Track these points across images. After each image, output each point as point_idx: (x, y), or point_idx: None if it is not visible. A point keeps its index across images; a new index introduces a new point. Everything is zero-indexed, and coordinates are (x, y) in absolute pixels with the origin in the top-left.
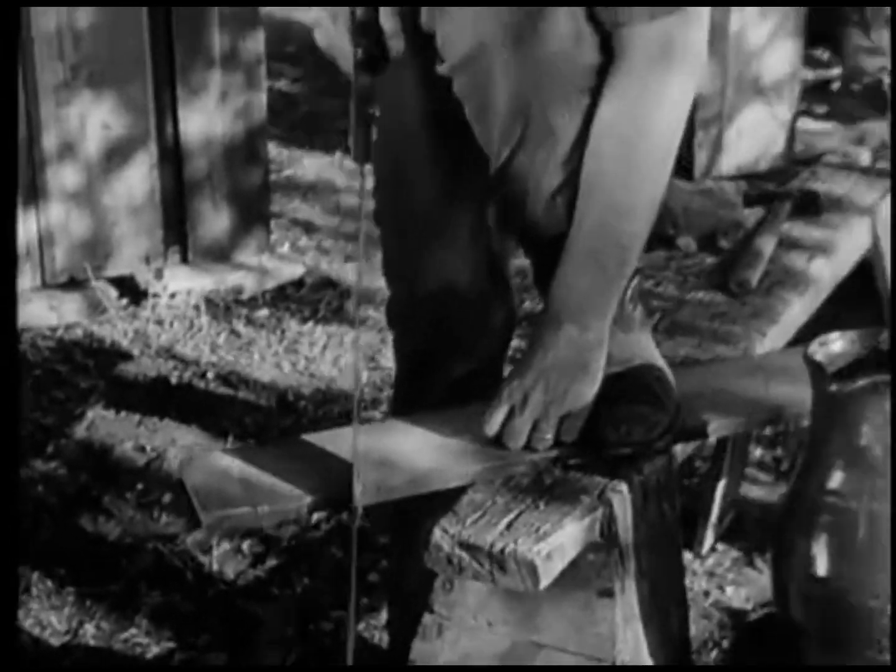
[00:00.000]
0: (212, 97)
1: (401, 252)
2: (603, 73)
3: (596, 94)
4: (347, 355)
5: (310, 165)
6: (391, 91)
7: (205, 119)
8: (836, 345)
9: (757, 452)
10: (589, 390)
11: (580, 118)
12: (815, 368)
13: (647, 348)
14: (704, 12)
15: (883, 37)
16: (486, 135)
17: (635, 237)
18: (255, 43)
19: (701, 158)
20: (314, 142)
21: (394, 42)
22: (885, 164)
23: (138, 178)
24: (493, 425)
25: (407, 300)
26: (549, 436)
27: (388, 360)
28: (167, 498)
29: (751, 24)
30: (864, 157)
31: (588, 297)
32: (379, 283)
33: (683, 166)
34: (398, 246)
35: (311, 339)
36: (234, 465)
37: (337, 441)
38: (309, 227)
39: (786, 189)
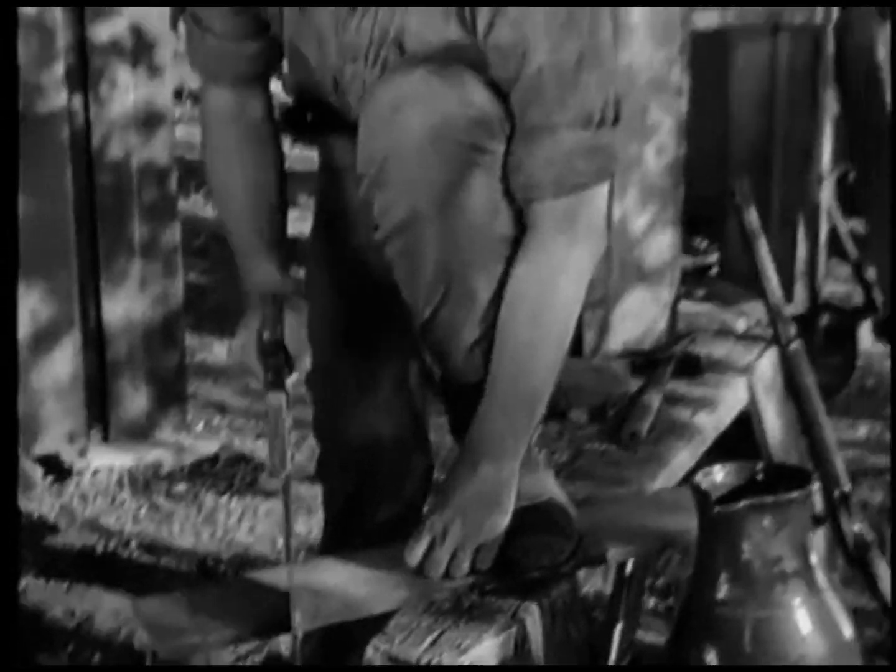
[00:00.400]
0: (132, 285)
1: (331, 410)
2: (516, 243)
3: (510, 261)
4: (262, 524)
5: (220, 352)
6: (324, 259)
7: (126, 305)
8: (718, 475)
9: (651, 602)
10: (501, 522)
11: (496, 281)
12: (701, 495)
13: (550, 486)
14: (605, 190)
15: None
16: (413, 294)
17: (544, 387)
18: (173, 234)
19: (589, 338)
20: (224, 329)
21: (299, 363)
22: (759, 331)
23: (64, 362)
24: (415, 556)
25: (336, 455)
26: (466, 564)
27: (301, 525)
28: (97, 658)
29: (632, 214)
30: (740, 325)
31: (502, 440)
32: None
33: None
34: (328, 405)
35: (227, 510)
36: (181, 600)
37: (274, 577)
38: (222, 408)
39: (669, 352)
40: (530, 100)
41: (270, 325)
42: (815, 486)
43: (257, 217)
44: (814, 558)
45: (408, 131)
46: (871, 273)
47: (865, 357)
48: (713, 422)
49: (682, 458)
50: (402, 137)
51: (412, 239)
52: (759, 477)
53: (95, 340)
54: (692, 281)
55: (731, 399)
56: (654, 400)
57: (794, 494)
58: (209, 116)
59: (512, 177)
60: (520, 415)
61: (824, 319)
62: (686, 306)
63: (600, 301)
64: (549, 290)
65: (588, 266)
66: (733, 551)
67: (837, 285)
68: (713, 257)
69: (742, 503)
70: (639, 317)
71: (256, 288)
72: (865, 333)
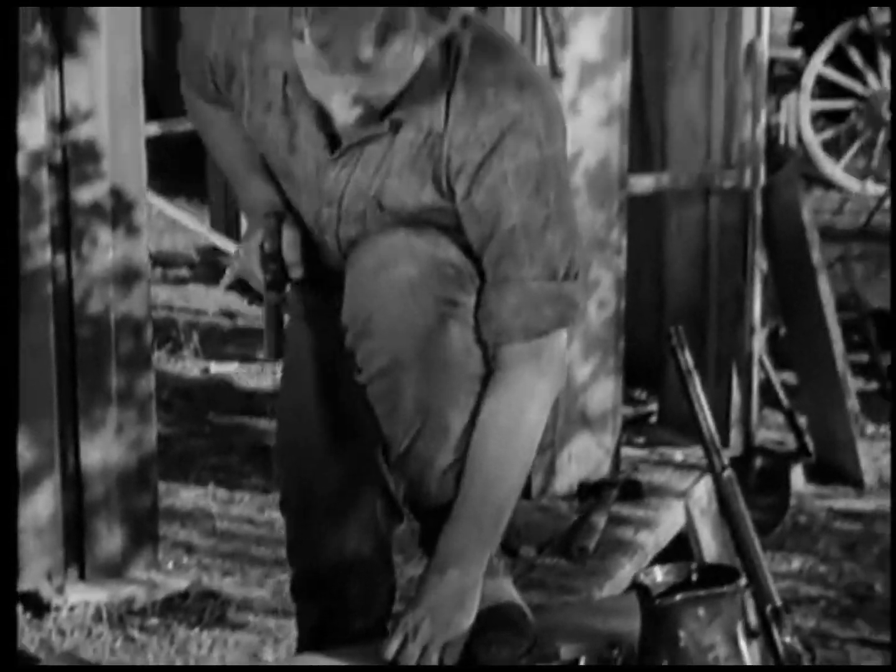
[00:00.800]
0: (109, 431)
1: (304, 534)
2: (485, 380)
3: (480, 396)
4: (231, 654)
5: (186, 497)
6: (294, 405)
7: (103, 450)
8: (658, 574)
9: None
10: (466, 622)
11: (468, 414)
12: (643, 590)
13: (510, 591)
14: (565, 332)
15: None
16: (392, 429)
17: (509, 502)
18: (147, 383)
19: (538, 480)
20: (188, 476)
21: (294, 270)
22: (695, 461)
23: (44, 503)
24: (390, 651)
25: (309, 576)
26: (436, 658)
27: (269, 654)
28: None
29: (576, 363)
30: (678, 456)
31: (468, 549)
32: (257, 592)
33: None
34: (301, 529)
35: (198, 642)
36: None
37: None
38: (189, 548)
39: (614, 479)
40: (502, 255)
41: (270, 238)
42: (743, 582)
43: (250, 156)
44: (743, 646)
45: (390, 288)
46: (802, 421)
47: (798, 497)
48: (653, 540)
49: (626, 571)
50: (386, 293)
51: (393, 381)
52: (694, 576)
53: (74, 483)
54: (632, 429)
55: (669, 520)
56: (601, 520)
57: (725, 589)
58: (199, 105)
59: (484, 324)
60: (486, 527)
61: (758, 462)
62: (627, 451)
63: (548, 445)
64: (518, 417)
65: (550, 396)
66: (672, 640)
67: (770, 432)
68: (652, 406)
69: (679, 597)
70: (584, 460)
71: (256, 206)
72: (798, 476)
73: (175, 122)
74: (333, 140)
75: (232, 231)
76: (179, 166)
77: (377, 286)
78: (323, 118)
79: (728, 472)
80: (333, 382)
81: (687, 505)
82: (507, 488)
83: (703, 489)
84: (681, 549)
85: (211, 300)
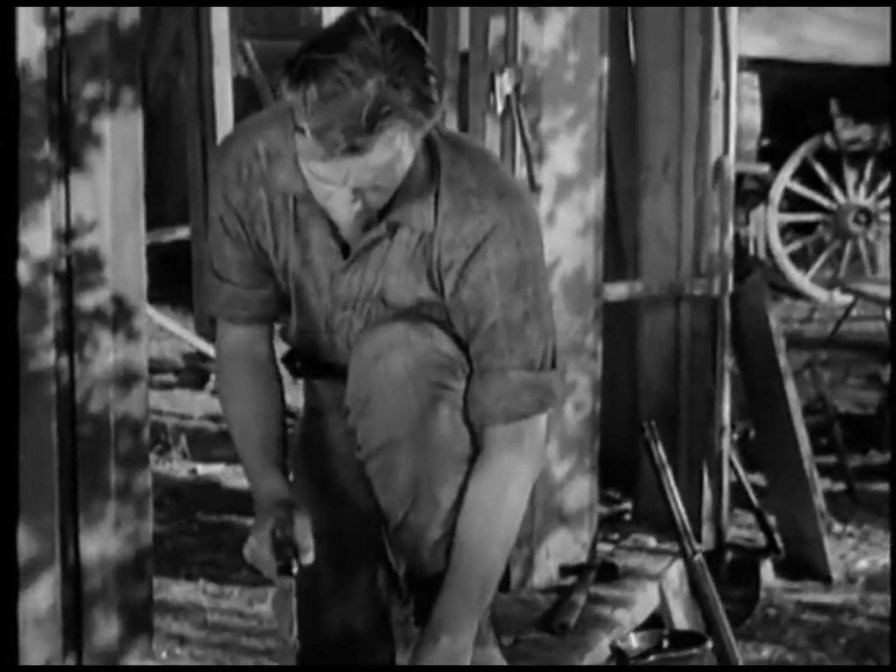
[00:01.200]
0: (108, 525)
1: (310, 610)
2: (472, 460)
3: (468, 474)
4: None
5: (178, 591)
6: (306, 485)
7: (101, 543)
8: (632, 639)
9: None
10: None
11: (456, 491)
12: (619, 653)
13: (497, 659)
14: (544, 419)
15: (661, 451)
16: (388, 502)
17: (493, 576)
18: (144, 480)
19: (516, 574)
20: (179, 571)
21: (305, 556)
22: (668, 546)
23: (43, 594)
24: None
25: (315, 648)
26: None
27: None
28: None
29: (554, 462)
30: (651, 541)
31: (458, 616)
32: None
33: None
34: (308, 606)
35: None
36: None
37: None
38: (182, 640)
39: (593, 562)
40: (486, 349)
41: (282, 526)
42: (709, 645)
43: (264, 441)
44: None
45: (389, 373)
46: (771, 520)
47: (768, 590)
48: (629, 617)
49: (604, 644)
50: (384, 378)
51: (388, 458)
52: (665, 641)
53: (73, 574)
54: (608, 526)
55: (644, 600)
56: (580, 598)
57: (693, 651)
58: (224, 354)
59: (470, 408)
60: (474, 597)
61: (729, 556)
62: (603, 547)
63: (526, 540)
64: (500, 497)
65: (530, 479)
66: None
67: (741, 531)
68: (626, 505)
69: (651, 658)
70: (561, 556)
71: (268, 498)
72: (767, 571)
73: (161, 233)
74: (344, 250)
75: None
76: (165, 275)
77: (376, 372)
78: (333, 229)
79: (699, 557)
80: (344, 464)
81: (661, 586)
82: (491, 562)
83: (675, 572)
84: (655, 627)
85: (196, 404)
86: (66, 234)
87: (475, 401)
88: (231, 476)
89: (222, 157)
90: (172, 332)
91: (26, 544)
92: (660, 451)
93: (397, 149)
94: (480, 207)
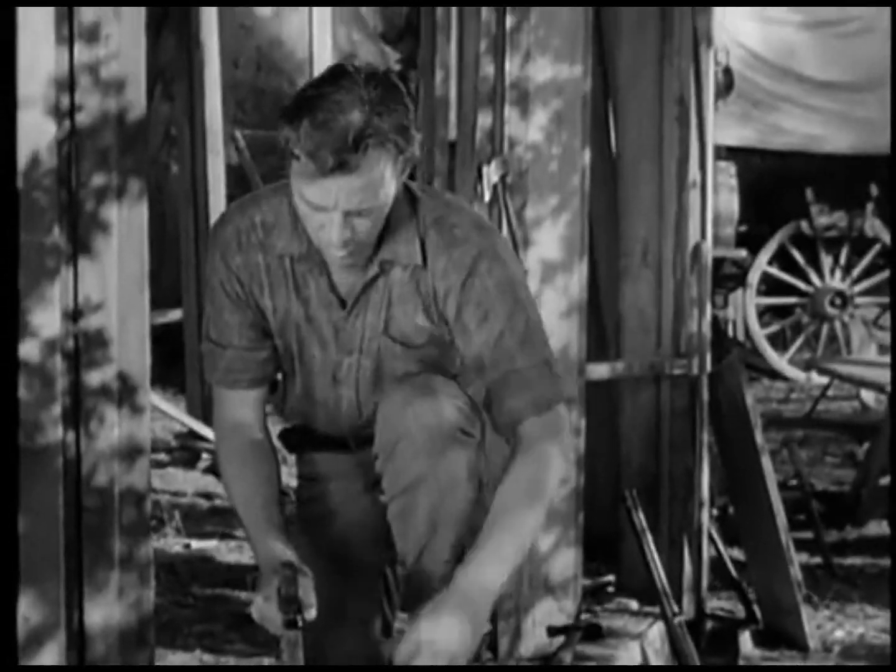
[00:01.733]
0: (111, 593)
1: (315, 636)
2: (477, 503)
3: (472, 518)
4: None
5: (175, 661)
6: (308, 550)
7: (105, 611)
8: None
9: None
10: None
11: (465, 527)
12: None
13: None
14: (566, 414)
15: (642, 517)
16: (405, 544)
17: (524, 546)
18: (147, 550)
19: (504, 643)
20: (176, 642)
21: (309, 611)
22: (653, 608)
23: (49, 660)
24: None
25: None
26: None
27: None
28: None
29: (539, 535)
30: (633, 604)
31: (486, 583)
32: None
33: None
34: (313, 632)
35: None
36: None
37: None
38: None
39: (578, 623)
40: (499, 356)
41: (286, 585)
42: None
43: (265, 506)
44: None
45: (417, 415)
46: (751, 593)
47: (746, 660)
48: None
49: None
50: (413, 420)
51: (412, 498)
52: None
53: (77, 642)
54: (592, 598)
55: (626, 658)
56: (567, 656)
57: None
58: (224, 422)
59: (497, 416)
60: (506, 564)
61: (709, 626)
62: (587, 617)
63: (513, 610)
64: (539, 477)
65: (565, 462)
66: None
67: (721, 602)
68: (610, 577)
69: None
70: (547, 625)
71: (272, 560)
72: (746, 640)
73: (154, 316)
74: (342, 302)
75: (207, 417)
76: (157, 357)
77: (405, 416)
78: (330, 284)
79: (679, 618)
80: (348, 527)
81: (642, 645)
82: (525, 531)
83: (656, 632)
84: None
85: (189, 482)
86: (74, 315)
87: (501, 404)
88: (224, 551)
89: (221, 228)
90: (165, 413)
91: (31, 612)
92: (641, 517)
93: (381, 171)
94: (464, 237)
